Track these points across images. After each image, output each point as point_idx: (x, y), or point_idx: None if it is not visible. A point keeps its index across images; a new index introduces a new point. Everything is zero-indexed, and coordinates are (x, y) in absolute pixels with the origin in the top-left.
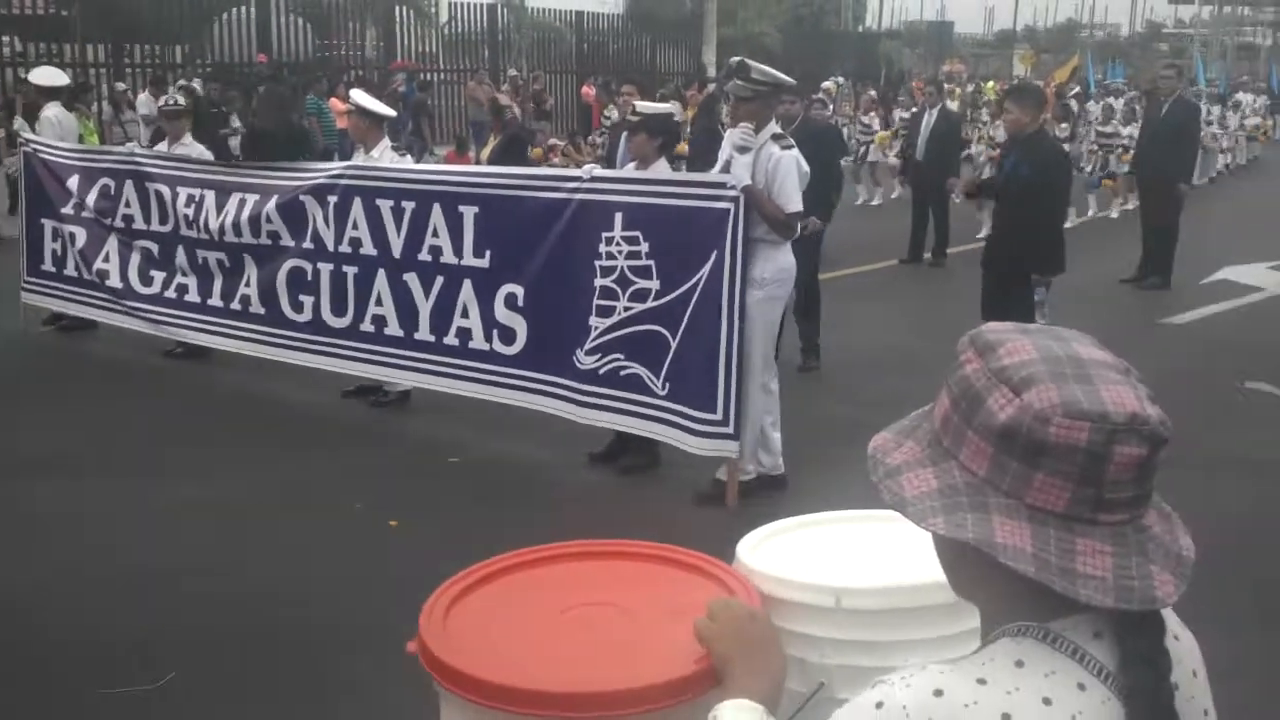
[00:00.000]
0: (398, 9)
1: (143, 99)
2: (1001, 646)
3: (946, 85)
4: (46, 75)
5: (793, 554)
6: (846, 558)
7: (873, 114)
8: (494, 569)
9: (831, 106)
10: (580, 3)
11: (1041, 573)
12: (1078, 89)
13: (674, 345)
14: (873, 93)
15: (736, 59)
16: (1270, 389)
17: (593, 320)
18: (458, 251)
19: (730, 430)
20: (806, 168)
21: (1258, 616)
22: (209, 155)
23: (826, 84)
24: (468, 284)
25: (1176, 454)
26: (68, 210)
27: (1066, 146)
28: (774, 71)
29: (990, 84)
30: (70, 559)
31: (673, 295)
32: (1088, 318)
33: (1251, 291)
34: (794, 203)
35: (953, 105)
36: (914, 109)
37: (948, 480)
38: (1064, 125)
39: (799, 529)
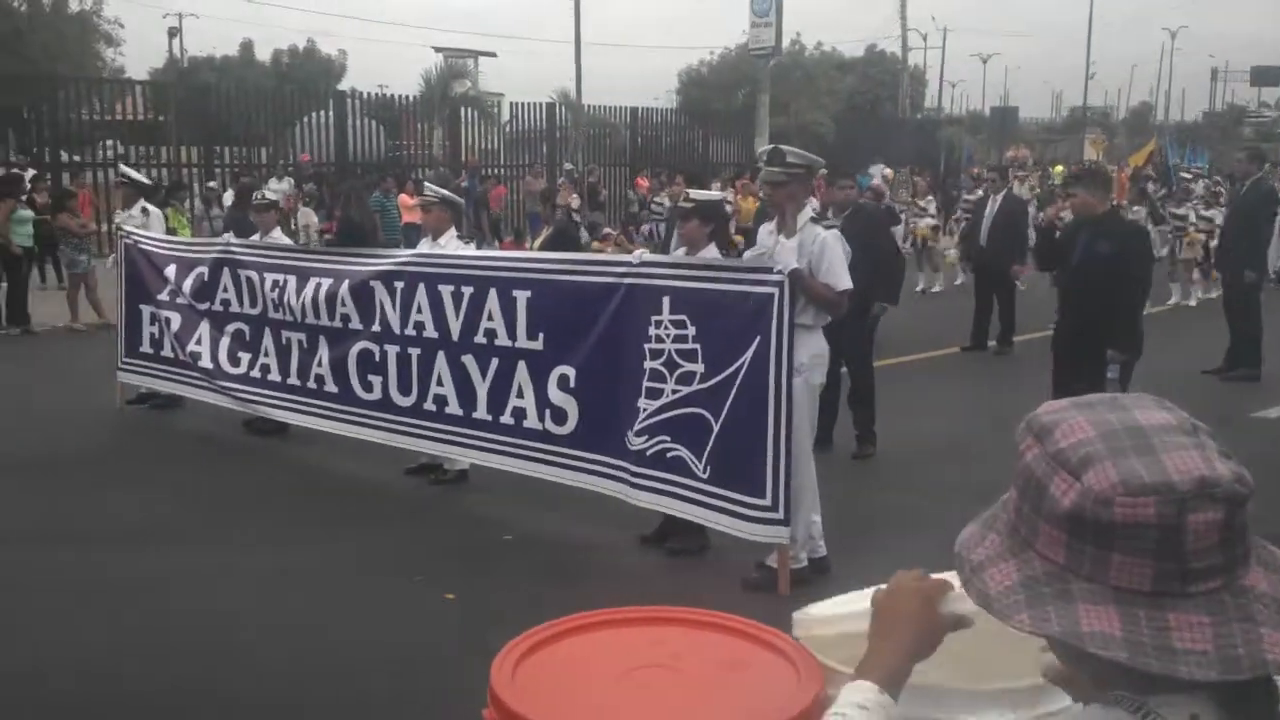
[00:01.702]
0: (463, 110)
1: (228, 196)
2: (1090, 713)
3: (1013, 171)
4: (136, 174)
5: (855, 627)
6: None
7: (930, 198)
8: (559, 630)
9: (888, 194)
10: (635, 98)
11: (1136, 657)
12: (1153, 174)
13: (716, 428)
14: (917, 179)
15: (770, 145)
16: None
17: (641, 402)
18: (512, 334)
19: (780, 516)
20: (847, 246)
21: None
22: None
23: (885, 170)
24: (522, 365)
25: None
26: (164, 296)
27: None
28: (807, 154)
29: (1059, 168)
30: (154, 624)
31: (717, 379)
32: None
33: None
34: (844, 280)
35: (1020, 191)
36: (978, 194)
37: (1028, 572)
38: (1137, 209)
39: (858, 603)
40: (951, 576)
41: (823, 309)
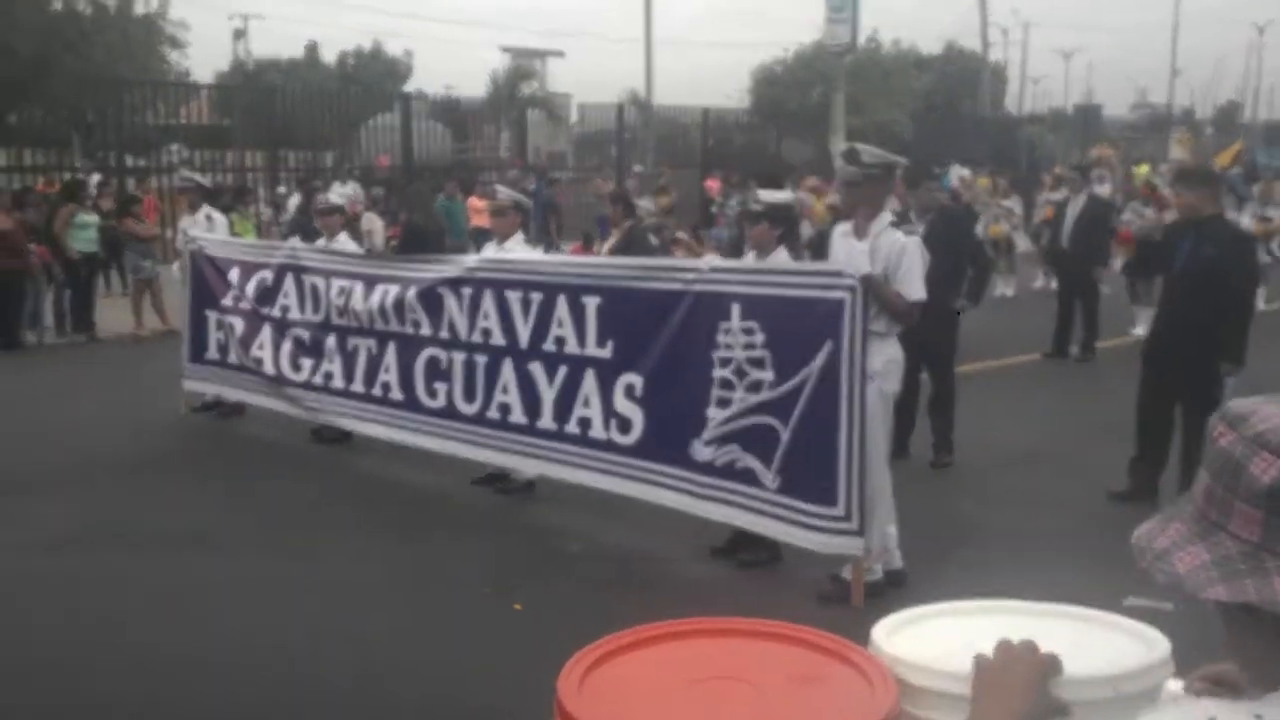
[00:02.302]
0: (530, 111)
1: (293, 201)
2: None
3: (1096, 171)
4: (199, 178)
5: (931, 641)
6: (989, 647)
7: (1013, 197)
8: (628, 641)
9: (967, 195)
10: (707, 98)
11: None
12: (1240, 173)
13: (785, 438)
14: (999, 179)
15: (846, 145)
16: None
17: (711, 411)
18: (582, 341)
19: (855, 527)
20: (927, 254)
21: None
22: (360, 251)
23: (963, 172)
24: (590, 373)
25: None
26: (228, 302)
27: None
28: (885, 153)
29: (1144, 168)
30: (218, 629)
31: (785, 387)
32: None
33: None
34: (917, 290)
35: (1103, 191)
36: (1058, 195)
37: (1221, 552)
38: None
39: (936, 617)
40: (1062, 646)
41: (893, 318)
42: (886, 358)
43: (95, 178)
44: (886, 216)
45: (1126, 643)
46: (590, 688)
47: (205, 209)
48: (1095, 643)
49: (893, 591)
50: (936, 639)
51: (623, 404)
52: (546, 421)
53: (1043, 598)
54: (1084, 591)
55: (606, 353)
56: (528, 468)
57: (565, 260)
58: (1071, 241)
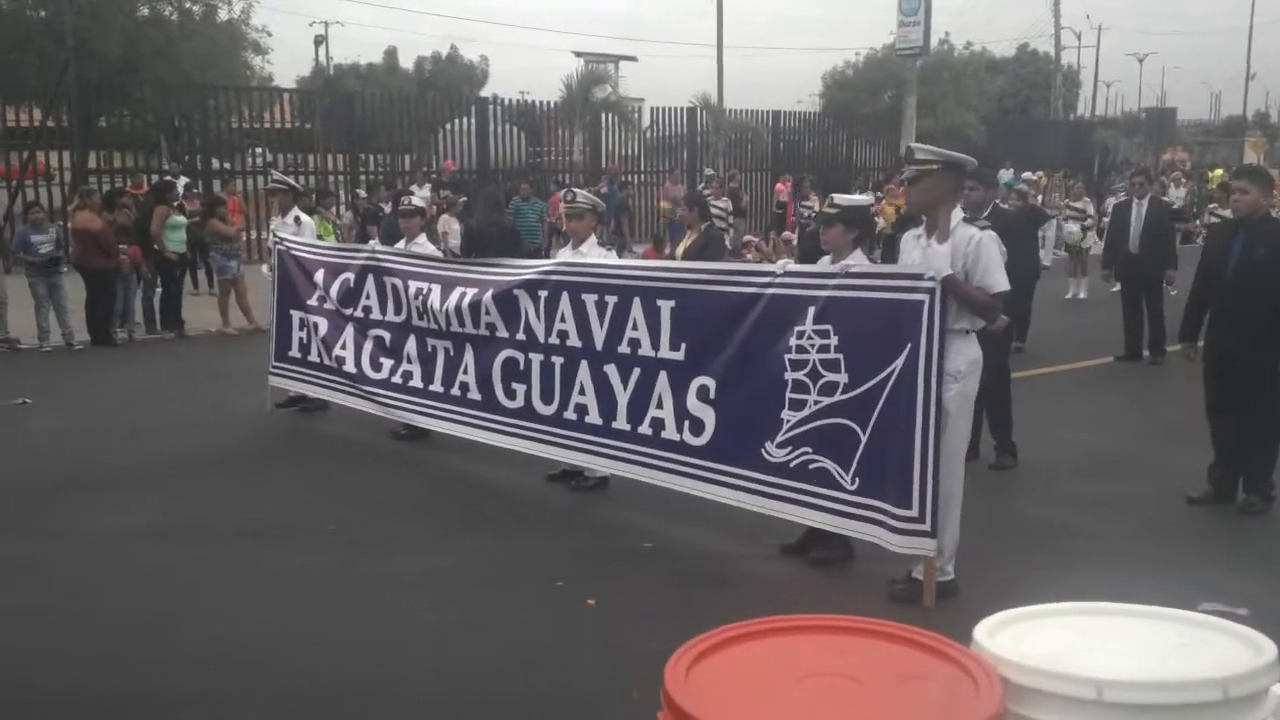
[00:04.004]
0: (604, 116)
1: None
2: None
3: (1171, 174)
4: (290, 180)
5: (1035, 642)
6: (1095, 649)
7: (1086, 200)
8: (731, 635)
9: (1040, 197)
10: (778, 101)
11: None
12: None
13: (864, 439)
14: (1071, 182)
15: (909, 144)
16: None
17: (785, 413)
18: (655, 344)
19: (927, 528)
20: (1003, 246)
21: None
22: (439, 254)
23: (1030, 175)
24: (664, 375)
25: None
26: (313, 302)
27: None
28: (941, 150)
29: (1218, 171)
30: (298, 621)
31: (863, 388)
32: None
33: None
34: (1000, 282)
35: (1177, 194)
36: (1121, 198)
37: None
38: None
39: (1038, 618)
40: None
41: (977, 314)
42: (970, 358)
43: (183, 180)
44: (958, 214)
45: (1232, 646)
46: (696, 680)
47: (294, 211)
48: (1201, 646)
49: (963, 594)
50: (1039, 639)
51: (695, 405)
52: (621, 422)
53: (1115, 601)
54: (1156, 596)
55: (680, 355)
56: (602, 467)
57: (641, 264)
58: (1140, 245)
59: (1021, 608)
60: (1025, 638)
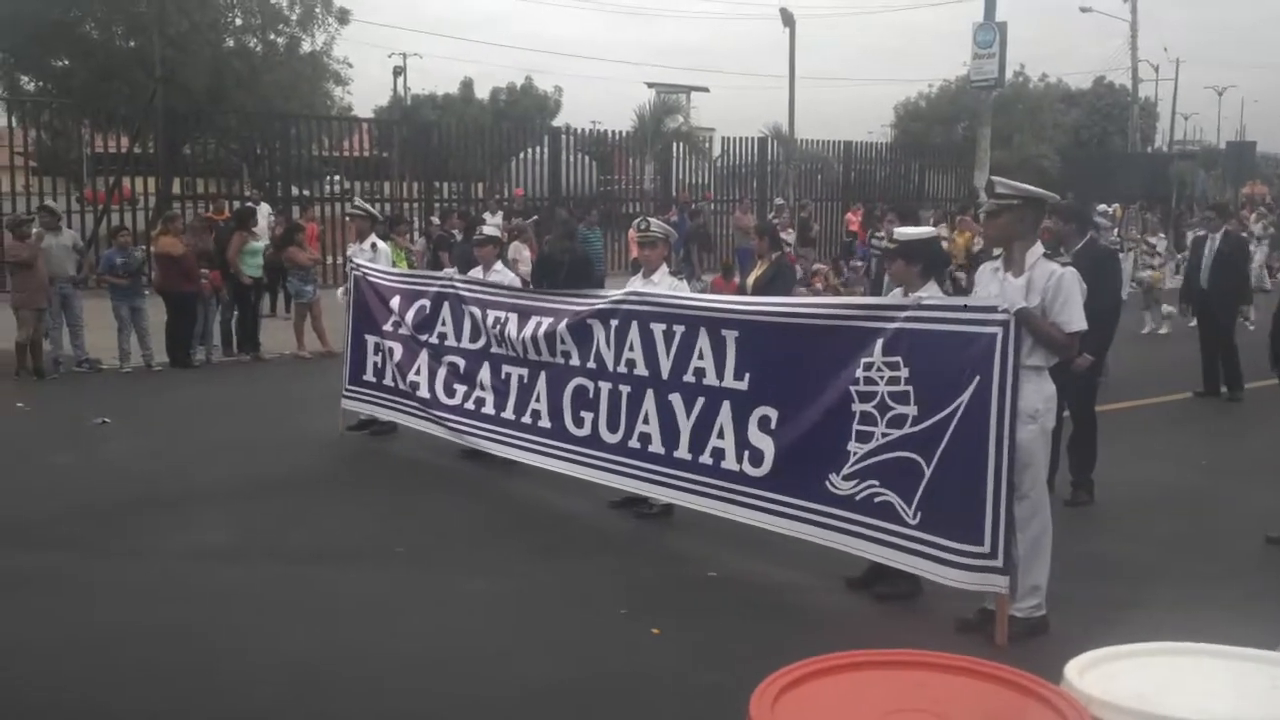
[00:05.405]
0: (675, 145)
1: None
2: None
3: (1249, 209)
4: (370, 208)
5: (1126, 683)
6: (1186, 689)
7: (1160, 236)
8: (815, 668)
9: (1116, 230)
10: (850, 132)
11: None
12: None
13: (928, 473)
14: (1148, 215)
15: (990, 178)
16: None
17: (851, 445)
18: (720, 374)
19: (999, 564)
20: (1084, 284)
21: None
22: (517, 281)
23: (1106, 208)
24: (726, 405)
25: None
26: (388, 327)
27: None
28: (1023, 185)
29: None
30: (362, 643)
31: (929, 422)
32: None
33: None
34: (1077, 321)
35: (1255, 229)
36: (1198, 233)
37: None
38: None
39: (1127, 658)
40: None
41: (1052, 351)
42: (1045, 395)
43: (266, 208)
44: (1038, 249)
45: None
46: (781, 714)
47: (371, 237)
48: None
49: (1038, 633)
50: (1129, 679)
51: (756, 435)
52: (683, 451)
53: (1197, 641)
54: (1237, 636)
55: (744, 385)
56: (662, 496)
57: (712, 299)
58: (1209, 280)
59: (1110, 647)
60: (1115, 678)
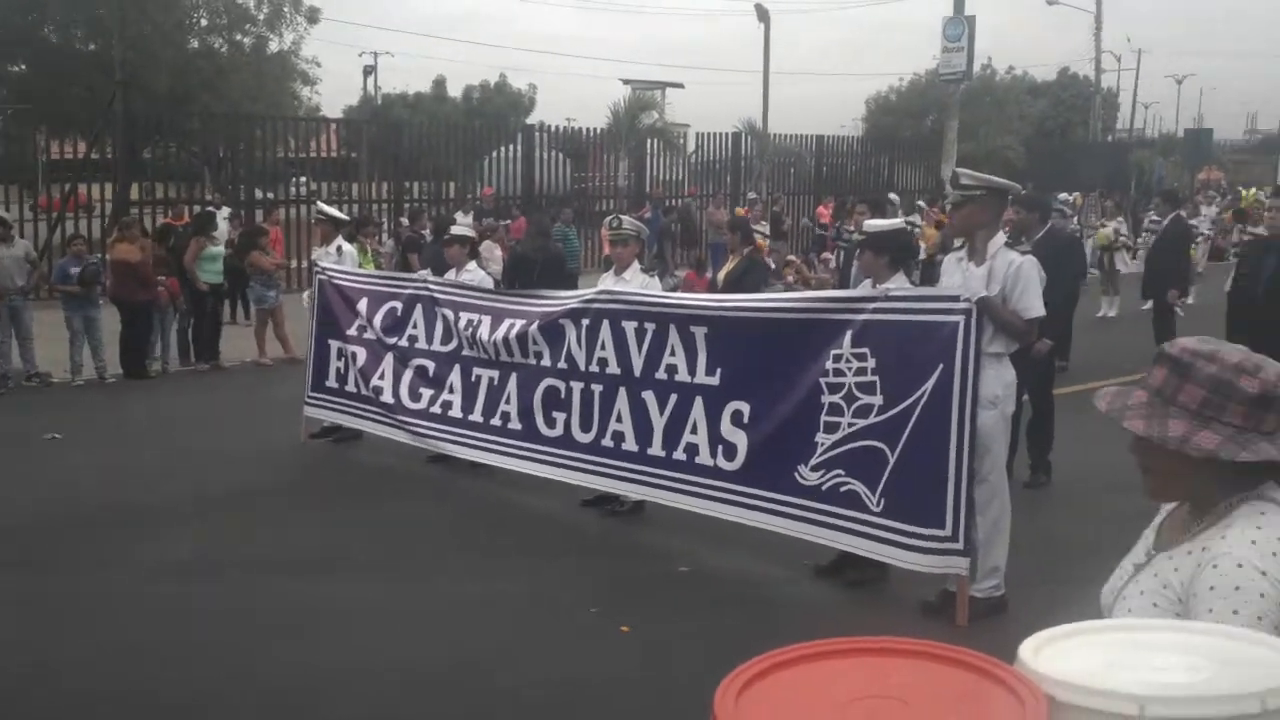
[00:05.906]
0: (650, 142)
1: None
2: (1251, 506)
3: (1206, 193)
4: (334, 211)
5: (1080, 660)
6: (1140, 665)
7: (1119, 219)
8: (780, 660)
9: (1076, 217)
10: (821, 126)
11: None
12: None
13: (892, 461)
14: (1106, 202)
15: (955, 170)
16: None
17: (819, 437)
18: (692, 370)
19: (960, 546)
20: (1043, 272)
21: None
22: (489, 282)
23: (1066, 196)
24: (699, 401)
25: None
26: (352, 331)
27: None
28: (985, 176)
29: (1251, 191)
30: (335, 654)
31: (894, 411)
32: None
33: None
34: (1035, 308)
35: (1209, 212)
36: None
37: (1223, 434)
38: None
39: (1078, 635)
40: None
41: (1012, 337)
42: (1006, 380)
43: (225, 211)
44: (1000, 238)
45: (1277, 660)
46: (745, 707)
47: (337, 240)
48: (1244, 660)
49: (1004, 612)
50: (1083, 656)
51: (728, 430)
52: (656, 449)
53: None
54: None
55: (715, 380)
56: (636, 494)
57: (682, 297)
58: (1148, 263)
59: (1065, 625)
60: (1069, 655)
